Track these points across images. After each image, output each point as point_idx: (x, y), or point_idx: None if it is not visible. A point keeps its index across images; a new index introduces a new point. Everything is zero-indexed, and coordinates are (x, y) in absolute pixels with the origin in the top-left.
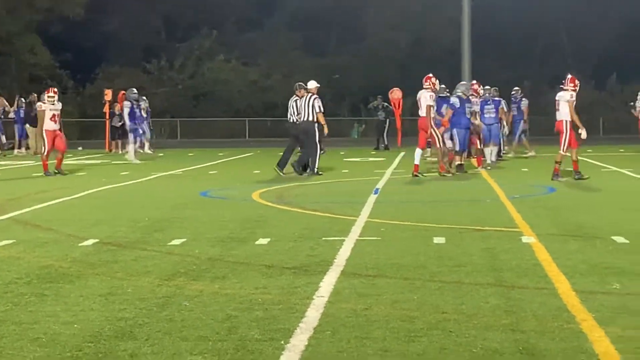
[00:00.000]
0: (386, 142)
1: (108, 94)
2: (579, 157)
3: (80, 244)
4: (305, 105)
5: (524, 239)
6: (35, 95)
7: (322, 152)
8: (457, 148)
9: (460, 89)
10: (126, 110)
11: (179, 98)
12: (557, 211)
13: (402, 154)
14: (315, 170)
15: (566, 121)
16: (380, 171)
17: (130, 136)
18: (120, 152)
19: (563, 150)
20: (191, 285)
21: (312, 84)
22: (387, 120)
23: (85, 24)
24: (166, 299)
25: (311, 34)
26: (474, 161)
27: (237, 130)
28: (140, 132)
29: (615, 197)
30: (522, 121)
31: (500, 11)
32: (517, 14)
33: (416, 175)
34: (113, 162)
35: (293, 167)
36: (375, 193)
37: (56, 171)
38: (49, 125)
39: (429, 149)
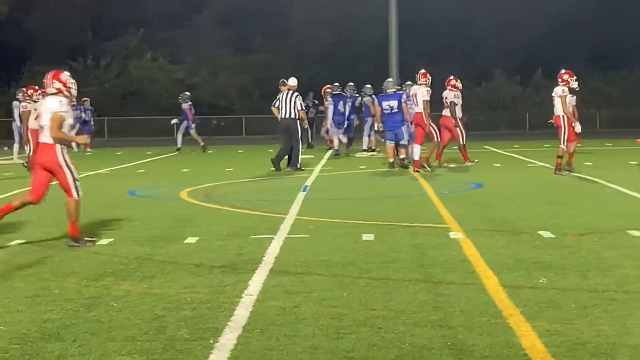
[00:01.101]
0: (310, 140)
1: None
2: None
3: (5, 245)
4: (286, 102)
5: (452, 235)
6: None
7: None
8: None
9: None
10: None
11: (106, 97)
12: (485, 207)
13: (330, 151)
14: (298, 165)
15: (562, 116)
16: (309, 168)
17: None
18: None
19: (563, 145)
20: (119, 285)
21: (293, 81)
22: (315, 117)
23: (10, 22)
24: (93, 299)
25: (237, 32)
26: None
27: (165, 128)
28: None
29: (541, 192)
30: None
31: (426, 7)
32: (443, 10)
33: (417, 171)
34: None
35: (272, 162)
36: (304, 190)
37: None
38: (34, 124)
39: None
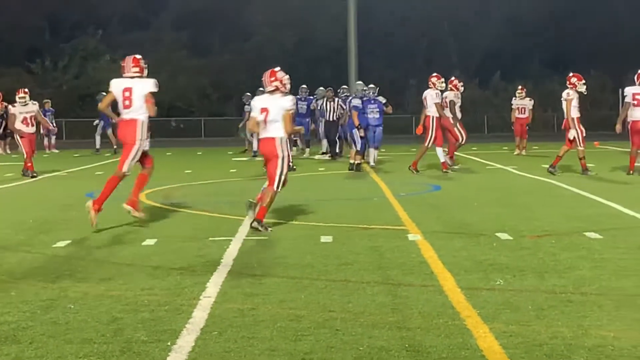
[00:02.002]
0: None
1: None
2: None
3: None
4: None
5: (410, 237)
6: None
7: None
8: (357, 147)
9: (360, 89)
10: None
11: (64, 98)
12: (443, 209)
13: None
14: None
15: (572, 118)
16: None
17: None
18: (5, 153)
19: (581, 146)
20: (76, 287)
21: None
22: None
23: None
24: (51, 301)
25: (196, 34)
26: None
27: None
28: None
29: (499, 194)
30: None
31: (384, 10)
32: (402, 13)
33: (446, 172)
34: None
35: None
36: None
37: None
38: (22, 128)
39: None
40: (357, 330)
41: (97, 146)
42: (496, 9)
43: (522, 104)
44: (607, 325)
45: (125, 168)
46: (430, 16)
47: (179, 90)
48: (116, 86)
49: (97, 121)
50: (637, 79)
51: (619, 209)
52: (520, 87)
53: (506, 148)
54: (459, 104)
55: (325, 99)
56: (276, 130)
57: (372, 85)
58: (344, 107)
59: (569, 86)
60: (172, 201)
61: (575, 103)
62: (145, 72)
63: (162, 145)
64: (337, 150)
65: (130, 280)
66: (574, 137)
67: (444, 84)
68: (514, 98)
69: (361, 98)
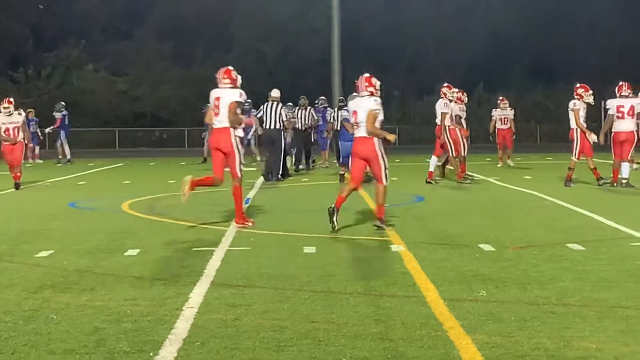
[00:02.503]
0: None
1: None
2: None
3: None
4: (271, 113)
5: (394, 248)
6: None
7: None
8: (342, 160)
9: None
10: None
11: (47, 108)
12: (426, 220)
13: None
14: (279, 176)
15: (575, 129)
16: (251, 181)
17: None
18: None
19: (575, 157)
20: (59, 297)
21: (276, 92)
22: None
23: None
24: (33, 311)
25: (179, 44)
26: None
27: (107, 140)
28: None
29: (482, 205)
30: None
31: (368, 21)
32: (385, 24)
33: (429, 182)
34: None
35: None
36: (246, 203)
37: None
38: (4, 138)
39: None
40: (340, 341)
41: (205, 155)
42: (479, 21)
43: (504, 115)
44: (589, 336)
45: (239, 173)
46: (414, 28)
47: (161, 101)
48: (211, 96)
49: (204, 134)
50: (618, 91)
51: (600, 220)
52: (501, 97)
53: (489, 159)
54: (464, 116)
55: (298, 108)
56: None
57: (323, 97)
58: (315, 117)
59: (575, 97)
60: (155, 211)
61: (582, 114)
62: (238, 82)
63: (145, 155)
64: (304, 162)
65: (113, 290)
66: (579, 147)
67: (455, 94)
68: (494, 109)
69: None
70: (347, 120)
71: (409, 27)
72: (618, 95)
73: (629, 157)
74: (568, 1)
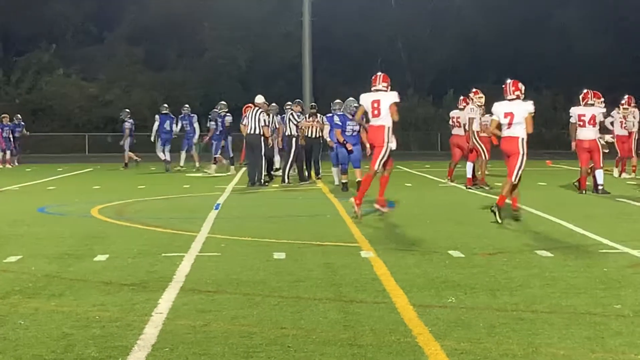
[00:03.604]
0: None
1: None
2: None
3: None
4: (253, 119)
5: (363, 254)
6: None
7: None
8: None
9: (353, 104)
10: None
11: (17, 112)
12: (395, 226)
13: (243, 169)
14: (262, 181)
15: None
16: (221, 186)
17: None
18: None
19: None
20: (27, 303)
21: (259, 98)
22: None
23: None
24: (0, 317)
25: (150, 48)
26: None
27: (77, 145)
28: None
29: (451, 211)
30: (221, 139)
31: (339, 27)
32: (356, 30)
33: (469, 188)
34: None
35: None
36: (216, 208)
37: None
38: None
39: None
40: (309, 347)
41: (126, 161)
42: (450, 27)
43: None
44: (557, 343)
45: (376, 167)
46: (385, 33)
47: (132, 105)
48: (365, 99)
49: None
50: (583, 100)
51: (570, 227)
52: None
53: (459, 166)
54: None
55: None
56: (520, 131)
57: (338, 101)
58: (276, 125)
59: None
60: (124, 216)
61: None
62: (390, 87)
63: (116, 161)
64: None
65: (82, 296)
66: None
67: (482, 100)
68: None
69: (341, 116)
70: (338, 126)
71: (381, 32)
72: (583, 103)
73: (600, 166)
74: (540, 8)
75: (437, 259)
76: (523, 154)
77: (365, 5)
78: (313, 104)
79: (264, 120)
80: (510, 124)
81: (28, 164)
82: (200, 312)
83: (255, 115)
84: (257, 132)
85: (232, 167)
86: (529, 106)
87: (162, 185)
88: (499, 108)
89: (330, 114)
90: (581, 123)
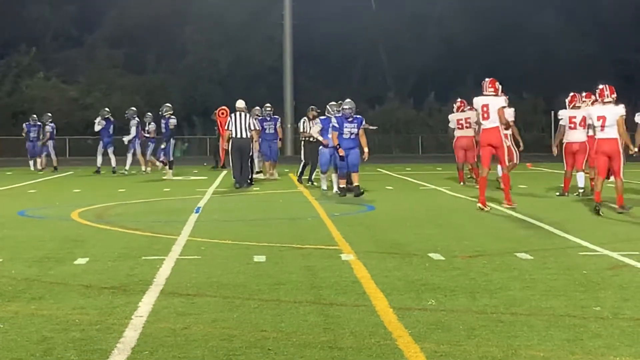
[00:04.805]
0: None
1: None
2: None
3: None
4: (241, 123)
5: (343, 257)
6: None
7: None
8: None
9: (346, 107)
10: None
11: None
12: (376, 229)
13: (224, 172)
14: (249, 181)
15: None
16: (202, 190)
17: None
18: None
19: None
20: (6, 306)
21: (241, 103)
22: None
23: None
24: None
25: (131, 52)
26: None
27: (57, 148)
28: None
29: (432, 214)
30: (163, 140)
31: (320, 31)
32: (337, 34)
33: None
34: None
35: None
36: (197, 212)
37: None
38: None
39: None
40: (289, 350)
41: (55, 164)
42: (430, 30)
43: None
44: (537, 345)
45: (507, 163)
46: (366, 37)
47: (113, 108)
48: (477, 103)
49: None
50: (570, 102)
51: (549, 229)
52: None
53: (440, 168)
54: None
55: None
56: (614, 132)
57: (268, 105)
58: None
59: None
60: (104, 220)
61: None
62: (500, 91)
63: (94, 164)
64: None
65: (61, 299)
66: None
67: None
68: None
69: (338, 118)
70: (336, 129)
71: (362, 36)
72: (570, 106)
73: (582, 167)
74: (520, 12)
75: (417, 261)
76: (621, 153)
77: (345, 9)
78: (313, 106)
79: (253, 124)
80: (603, 127)
81: (8, 167)
82: (181, 315)
83: (243, 119)
84: (245, 136)
85: (171, 171)
86: (620, 109)
87: (142, 189)
88: (592, 111)
89: (325, 116)
90: (572, 125)
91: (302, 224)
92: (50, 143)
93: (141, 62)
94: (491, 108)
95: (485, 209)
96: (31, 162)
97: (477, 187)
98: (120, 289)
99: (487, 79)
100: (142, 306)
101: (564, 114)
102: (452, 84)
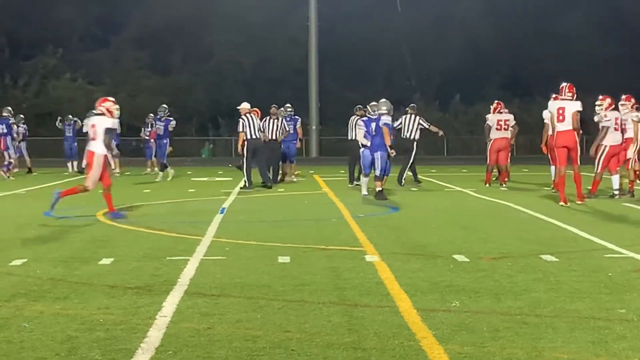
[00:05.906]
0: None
1: None
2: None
3: None
4: (251, 125)
5: (368, 258)
6: None
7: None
8: (377, 173)
9: (384, 108)
10: None
11: (24, 116)
12: (400, 230)
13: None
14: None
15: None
16: (227, 191)
17: None
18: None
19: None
20: (32, 306)
21: (246, 105)
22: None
23: None
24: (5, 320)
25: (156, 53)
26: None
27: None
28: None
29: (456, 216)
30: (167, 142)
31: (345, 32)
32: (362, 35)
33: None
34: None
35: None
36: (222, 212)
37: None
38: None
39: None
40: (312, 350)
41: (29, 165)
42: (455, 32)
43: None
44: (561, 347)
45: (579, 163)
46: (390, 38)
47: (137, 110)
48: (552, 106)
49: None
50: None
51: (574, 232)
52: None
53: (465, 170)
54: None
55: (269, 118)
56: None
57: (383, 100)
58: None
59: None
60: (129, 220)
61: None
62: (575, 96)
63: (125, 164)
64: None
65: (86, 299)
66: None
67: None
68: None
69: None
70: (388, 125)
71: (386, 37)
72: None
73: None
74: (544, 14)
75: (442, 263)
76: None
77: (370, 10)
78: (359, 105)
79: (259, 125)
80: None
81: (35, 168)
82: (204, 315)
83: (255, 121)
84: (258, 136)
85: (161, 173)
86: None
87: (167, 190)
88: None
89: (367, 117)
90: (616, 127)
91: (327, 225)
92: (22, 144)
93: (166, 64)
94: (567, 111)
95: (567, 204)
96: (69, 165)
97: (503, 189)
98: (144, 289)
99: (564, 84)
100: (166, 306)
101: (611, 116)
102: (476, 86)
